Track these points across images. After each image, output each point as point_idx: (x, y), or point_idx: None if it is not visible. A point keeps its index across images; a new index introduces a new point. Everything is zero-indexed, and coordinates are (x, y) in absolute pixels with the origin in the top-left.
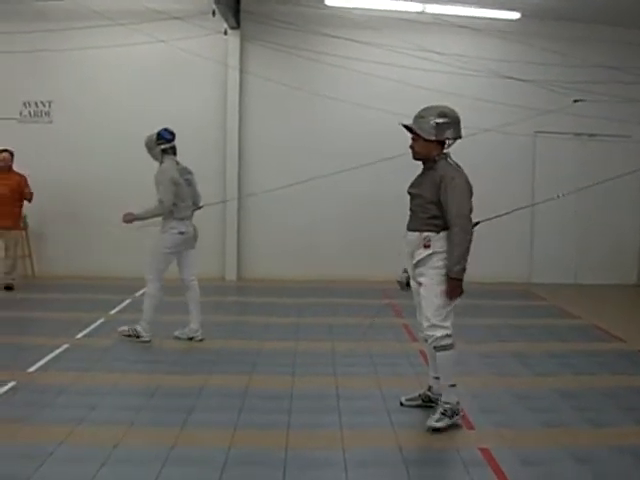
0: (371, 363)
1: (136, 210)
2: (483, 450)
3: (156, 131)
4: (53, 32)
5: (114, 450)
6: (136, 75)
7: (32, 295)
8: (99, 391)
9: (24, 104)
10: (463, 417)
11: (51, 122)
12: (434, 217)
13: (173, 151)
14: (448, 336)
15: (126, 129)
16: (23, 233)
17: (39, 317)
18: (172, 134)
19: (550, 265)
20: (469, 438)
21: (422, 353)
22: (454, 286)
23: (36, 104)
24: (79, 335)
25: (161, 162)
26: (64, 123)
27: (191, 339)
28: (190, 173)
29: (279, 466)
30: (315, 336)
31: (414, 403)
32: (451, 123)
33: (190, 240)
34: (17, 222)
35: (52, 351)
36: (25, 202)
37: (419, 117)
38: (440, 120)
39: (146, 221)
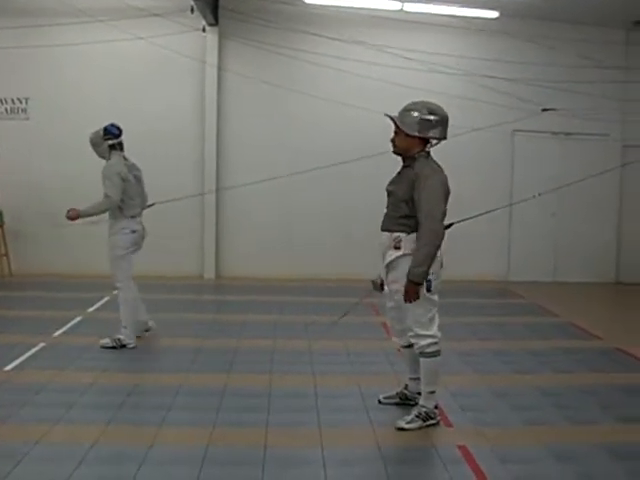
0: (349, 361)
1: (81, 206)
2: (461, 448)
3: (102, 126)
4: (31, 28)
5: (91, 449)
6: (114, 72)
7: (8, 293)
8: (76, 390)
9: (0, 101)
10: (442, 415)
11: (28, 119)
12: (405, 216)
13: (121, 147)
14: (434, 343)
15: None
16: None
17: (16, 315)
18: (119, 129)
19: (528, 263)
20: (447, 436)
21: (400, 351)
22: (410, 290)
23: (12, 101)
24: (56, 333)
25: (108, 159)
26: (41, 120)
27: (147, 331)
28: (138, 170)
29: (258, 464)
30: (293, 334)
31: (392, 401)
32: (438, 121)
33: (140, 239)
34: None
35: (29, 349)
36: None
37: (405, 110)
38: (426, 117)
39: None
